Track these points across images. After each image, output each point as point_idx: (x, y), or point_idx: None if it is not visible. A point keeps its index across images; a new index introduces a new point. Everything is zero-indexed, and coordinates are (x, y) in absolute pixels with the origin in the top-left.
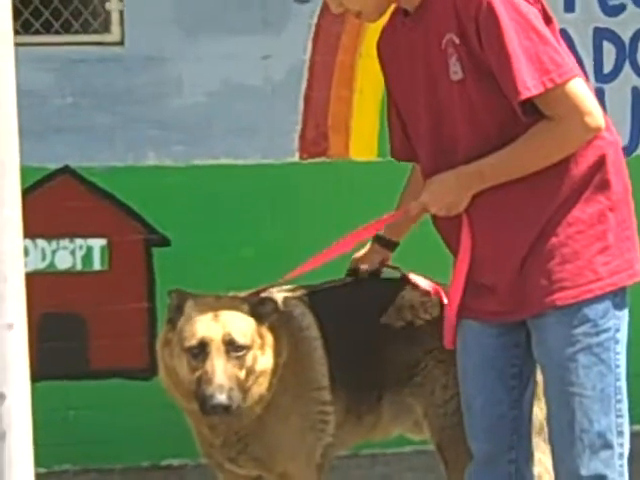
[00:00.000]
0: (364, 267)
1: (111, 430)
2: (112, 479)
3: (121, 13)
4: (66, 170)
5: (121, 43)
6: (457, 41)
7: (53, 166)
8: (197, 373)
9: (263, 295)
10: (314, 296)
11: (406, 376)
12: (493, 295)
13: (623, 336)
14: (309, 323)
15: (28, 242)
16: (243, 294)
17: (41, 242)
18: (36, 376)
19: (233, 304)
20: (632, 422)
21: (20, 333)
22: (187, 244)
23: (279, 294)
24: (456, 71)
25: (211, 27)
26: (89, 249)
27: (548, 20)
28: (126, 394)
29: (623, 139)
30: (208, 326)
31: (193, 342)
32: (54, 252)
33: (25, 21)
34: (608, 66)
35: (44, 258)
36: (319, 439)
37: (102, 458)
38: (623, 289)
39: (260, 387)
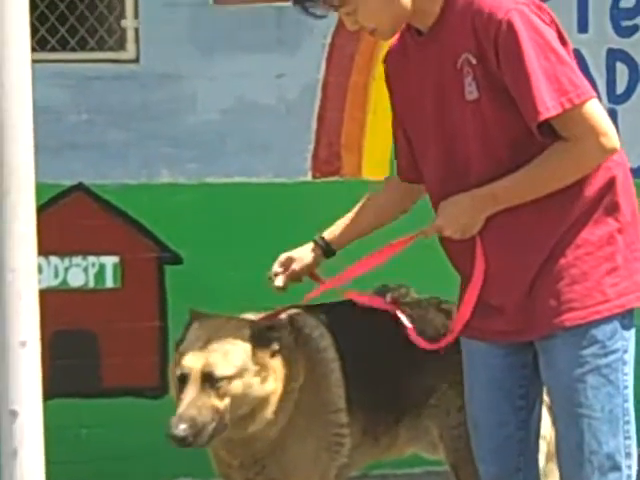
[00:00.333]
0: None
1: (122, 448)
2: None
3: (136, 31)
4: (80, 187)
5: (136, 61)
6: (474, 61)
7: (67, 183)
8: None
9: (274, 320)
10: (333, 317)
11: (424, 399)
12: (501, 315)
13: (630, 357)
14: (327, 345)
15: (41, 259)
16: (261, 315)
17: (54, 259)
18: (48, 394)
19: (233, 329)
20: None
21: (33, 350)
22: (199, 262)
23: (297, 314)
24: (471, 91)
25: (226, 45)
26: (102, 267)
27: (563, 42)
28: (137, 412)
29: (635, 161)
30: (192, 355)
31: (178, 372)
32: (67, 269)
33: (41, 38)
34: (621, 87)
35: (57, 275)
36: (334, 460)
37: (114, 476)
38: (631, 310)
39: (264, 412)
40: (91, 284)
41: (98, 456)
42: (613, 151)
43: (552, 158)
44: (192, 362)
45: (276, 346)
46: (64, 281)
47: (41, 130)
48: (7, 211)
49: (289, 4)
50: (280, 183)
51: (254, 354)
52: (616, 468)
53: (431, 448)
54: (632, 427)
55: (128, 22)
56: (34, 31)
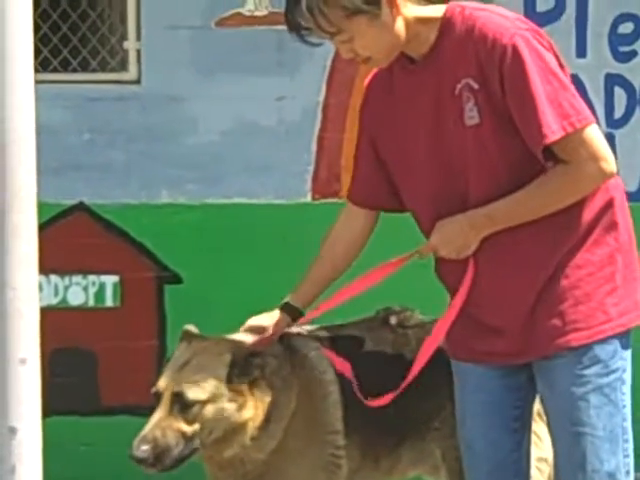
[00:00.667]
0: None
1: (120, 466)
2: None
3: (138, 52)
4: (81, 207)
5: (138, 82)
6: (476, 86)
7: (68, 202)
8: None
9: (260, 347)
10: (334, 338)
11: (427, 420)
12: (501, 337)
13: (628, 377)
14: (326, 367)
15: (41, 277)
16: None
17: (54, 278)
18: (46, 411)
19: (214, 353)
20: (636, 469)
21: (33, 368)
22: (199, 282)
23: (296, 336)
24: (472, 116)
25: (227, 68)
26: (102, 286)
27: (561, 66)
28: (135, 430)
29: (632, 185)
30: (167, 376)
31: (153, 391)
32: (67, 288)
33: (44, 59)
34: (619, 111)
35: (57, 294)
36: None
37: None
38: (629, 331)
39: (241, 438)
40: (91, 303)
41: (96, 474)
42: (611, 176)
43: (551, 181)
44: (165, 383)
45: (257, 373)
46: (64, 299)
47: (43, 150)
48: (9, 229)
49: None
50: (280, 204)
51: (231, 380)
52: None
53: (434, 470)
54: (630, 445)
55: (130, 44)
56: (37, 52)
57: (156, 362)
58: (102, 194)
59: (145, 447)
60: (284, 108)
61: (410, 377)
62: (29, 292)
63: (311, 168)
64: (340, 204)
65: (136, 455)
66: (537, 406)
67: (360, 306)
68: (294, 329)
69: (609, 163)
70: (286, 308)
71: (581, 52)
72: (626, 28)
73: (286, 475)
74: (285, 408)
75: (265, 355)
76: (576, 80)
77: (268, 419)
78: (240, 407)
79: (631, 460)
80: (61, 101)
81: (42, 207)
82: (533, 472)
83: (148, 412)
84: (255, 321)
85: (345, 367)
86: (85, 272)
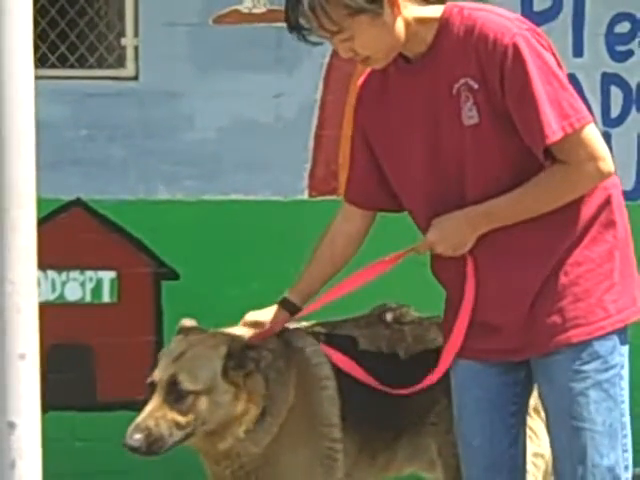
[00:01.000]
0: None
1: (117, 462)
2: None
3: (136, 49)
4: (78, 202)
5: (135, 78)
6: (475, 86)
7: (66, 198)
8: None
9: (257, 341)
10: (332, 334)
11: (424, 415)
12: (499, 334)
13: (626, 372)
14: (322, 362)
15: (39, 273)
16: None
17: (51, 273)
18: (44, 406)
19: (211, 345)
20: (635, 464)
21: (32, 363)
22: (196, 278)
23: (293, 332)
24: (472, 116)
25: (224, 64)
26: (99, 281)
27: (559, 66)
28: None
29: (628, 184)
30: (163, 366)
31: (149, 381)
32: (64, 283)
33: (42, 55)
34: (615, 111)
35: (54, 289)
36: (328, 475)
37: None
38: (626, 327)
39: (235, 431)
40: (88, 298)
41: (93, 469)
42: (609, 175)
43: (549, 180)
44: (161, 372)
45: (252, 366)
46: (61, 295)
47: (40, 145)
48: (8, 224)
49: None
50: (277, 201)
51: (226, 372)
52: None
53: (429, 467)
54: (629, 440)
55: (128, 40)
56: (35, 48)
57: (153, 358)
58: (100, 190)
59: (138, 436)
60: (282, 105)
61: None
62: (28, 287)
63: (308, 165)
64: (337, 201)
65: (129, 443)
66: (533, 402)
67: (357, 302)
68: (291, 325)
69: (607, 163)
70: (284, 303)
71: (578, 51)
72: (623, 28)
73: (283, 468)
74: (282, 403)
75: (261, 349)
76: (573, 79)
77: (264, 413)
78: (234, 399)
79: (630, 455)
80: (59, 97)
81: (39, 202)
82: (529, 467)
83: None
84: (253, 316)
85: (344, 361)
86: (82, 268)
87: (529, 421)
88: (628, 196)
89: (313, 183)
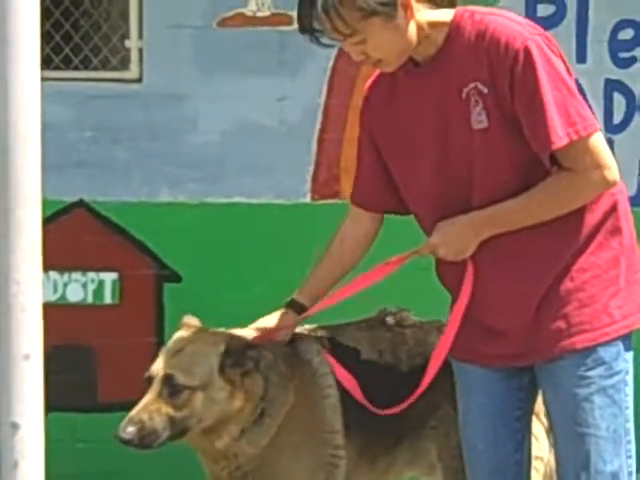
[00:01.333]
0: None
1: (119, 463)
2: None
3: (140, 51)
4: (81, 204)
5: (139, 80)
6: (485, 90)
7: (69, 199)
8: None
9: (258, 342)
10: (335, 339)
11: (424, 420)
12: (504, 340)
13: (630, 378)
14: (326, 371)
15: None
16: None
17: (53, 274)
18: (46, 408)
19: (209, 343)
20: (638, 471)
21: (36, 364)
22: (198, 281)
23: (299, 338)
24: (481, 120)
25: (228, 67)
26: (101, 283)
27: (568, 73)
28: None
29: (631, 189)
30: (160, 361)
31: (146, 375)
32: (66, 285)
33: (46, 56)
34: (618, 117)
35: (56, 290)
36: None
37: None
38: (631, 333)
39: (230, 429)
40: (90, 300)
41: (94, 470)
42: (614, 184)
43: (553, 187)
44: (158, 367)
45: (250, 365)
46: (63, 296)
47: (44, 147)
48: (13, 224)
49: (291, 28)
50: (279, 204)
51: (223, 370)
52: None
53: (429, 471)
54: (633, 446)
55: (132, 42)
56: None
57: (154, 359)
58: (103, 191)
59: (131, 429)
60: (285, 108)
61: (421, 389)
62: (33, 287)
63: (311, 169)
64: (339, 205)
65: (121, 436)
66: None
67: (357, 306)
68: (297, 330)
69: (612, 172)
70: (292, 304)
71: (581, 57)
72: (626, 34)
73: (282, 471)
74: (281, 405)
75: (261, 349)
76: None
77: (262, 413)
78: (230, 397)
79: (633, 461)
80: (62, 99)
81: (43, 204)
82: None
83: None
84: (263, 322)
85: (346, 379)
86: (84, 269)
87: None
88: (630, 202)
89: (316, 186)
